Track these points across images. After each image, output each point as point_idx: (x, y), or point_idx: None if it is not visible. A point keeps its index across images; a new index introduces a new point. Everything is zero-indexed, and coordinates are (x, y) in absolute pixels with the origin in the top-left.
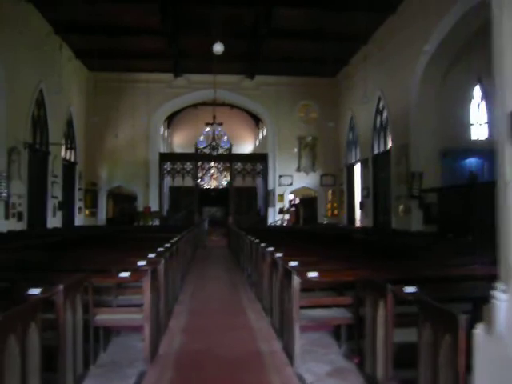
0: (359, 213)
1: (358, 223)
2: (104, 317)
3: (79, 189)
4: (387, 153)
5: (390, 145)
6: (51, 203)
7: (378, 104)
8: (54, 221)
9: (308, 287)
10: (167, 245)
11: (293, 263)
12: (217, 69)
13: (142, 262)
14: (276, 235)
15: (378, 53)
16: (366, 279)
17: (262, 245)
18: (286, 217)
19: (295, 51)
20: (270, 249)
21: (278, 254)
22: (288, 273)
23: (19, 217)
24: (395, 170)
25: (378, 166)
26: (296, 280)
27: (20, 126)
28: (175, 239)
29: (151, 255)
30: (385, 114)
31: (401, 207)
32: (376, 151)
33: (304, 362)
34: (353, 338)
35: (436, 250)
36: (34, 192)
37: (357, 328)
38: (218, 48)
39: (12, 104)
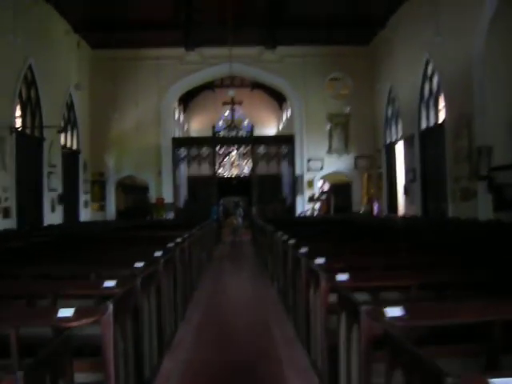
0: (403, 199)
1: (401, 211)
2: None
3: (84, 180)
4: (440, 126)
5: (443, 116)
6: (48, 197)
7: (426, 68)
8: (53, 217)
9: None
10: (158, 253)
11: (393, 312)
12: (233, 39)
13: (66, 312)
14: (312, 230)
15: (427, 6)
16: None
17: (302, 251)
18: (317, 206)
19: (322, 14)
20: (320, 261)
21: (342, 277)
22: (395, 353)
23: (6, 213)
24: (453, 146)
25: (426, 143)
26: None
27: (4, 108)
28: (177, 241)
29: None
30: (435, 80)
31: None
32: (424, 125)
33: None
34: None
35: None
36: (26, 184)
37: None
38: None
39: None
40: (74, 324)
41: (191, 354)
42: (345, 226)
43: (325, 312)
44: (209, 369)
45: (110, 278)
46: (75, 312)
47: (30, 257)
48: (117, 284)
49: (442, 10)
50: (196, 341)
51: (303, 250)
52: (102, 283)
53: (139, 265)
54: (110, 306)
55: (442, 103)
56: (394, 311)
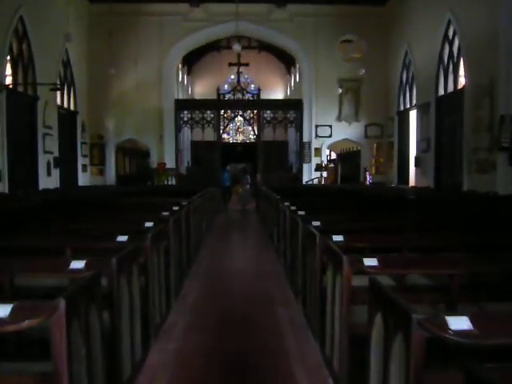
0: (413, 170)
1: (411, 183)
2: None
3: (83, 143)
4: (459, 93)
5: (463, 82)
6: (44, 160)
7: (447, 30)
8: (49, 181)
9: None
10: (148, 224)
11: (458, 324)
12: None
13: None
14: (321, 200)
15: None
16: None
17: (315, 223)
18: (325, 174)
19: None
20: (338, 238)
21: (370, 262)
22: None
23: None
24: (472, 115)
25: (443, 112)
26: None
27: None
28: (174, 209)
29: None
30: (456, 43)
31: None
32: (441, 92)
33: None
34: None
35: None
36: (19, 146)
37: None
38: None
39: None
40: (11, 328)
41: (182, 342)
42: (354, 196)
43: (347, 302)
44: (202, 360)
45: (86, 254)
46: (13, 310)
47: (13, 223)
48: (86, 266)
49: None
50: (189, 326)
51: (316, 223)
52: (69, 264)
53: (123, 238)
54: (62, 303)
55: (461, 68)
56: (458, 322)
